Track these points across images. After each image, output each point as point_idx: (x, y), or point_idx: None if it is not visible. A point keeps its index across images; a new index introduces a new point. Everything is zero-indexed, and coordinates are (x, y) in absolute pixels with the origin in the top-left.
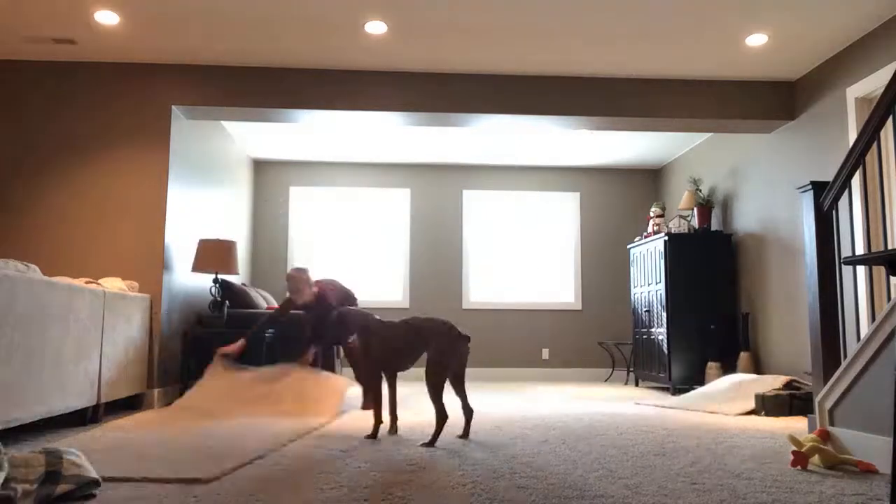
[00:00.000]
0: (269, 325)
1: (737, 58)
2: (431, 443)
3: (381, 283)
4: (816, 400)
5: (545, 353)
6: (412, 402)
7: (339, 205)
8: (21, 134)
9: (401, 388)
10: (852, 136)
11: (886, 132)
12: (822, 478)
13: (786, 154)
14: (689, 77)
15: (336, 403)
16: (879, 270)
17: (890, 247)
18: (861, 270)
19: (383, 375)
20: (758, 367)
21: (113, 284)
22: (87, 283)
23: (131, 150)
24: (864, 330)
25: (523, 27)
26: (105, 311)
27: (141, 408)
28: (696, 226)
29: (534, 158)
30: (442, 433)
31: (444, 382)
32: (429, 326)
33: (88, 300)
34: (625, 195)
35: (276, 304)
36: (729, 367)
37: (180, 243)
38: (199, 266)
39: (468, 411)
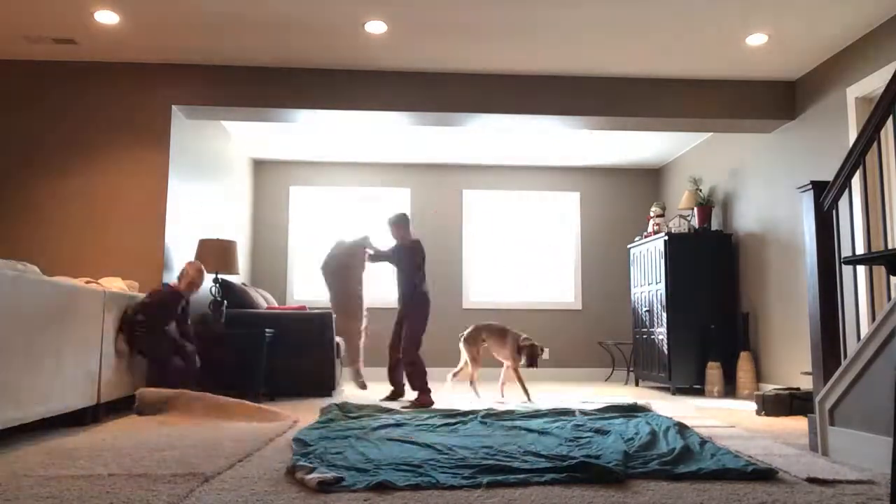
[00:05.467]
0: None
1: (737, 58)
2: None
3: (380, 284)
4: (816, 400)
5: (545, 353)
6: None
7: (339, 205)
8: (21, 134)
9: None
10: (852, 136)
11: (886, 132)
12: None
13: (786, 154)
14: (689, 77)
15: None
16: (879, 270)
17: (890, 247)
18: (861, 270)
19: None
20: (758, 368)
21: (113, 284)
22: (87, 283)
23: (131, 150)
24: (864, 330)
25: (523, 27)
26: (105, 311)
27: None
28: (696, 226)
29: (534, 158)
30: None
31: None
32: None
33: (88, 300)
34: (625, 195)
35: (276, 304)
36: (729, 368)
37: (180, 243)
38: None
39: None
